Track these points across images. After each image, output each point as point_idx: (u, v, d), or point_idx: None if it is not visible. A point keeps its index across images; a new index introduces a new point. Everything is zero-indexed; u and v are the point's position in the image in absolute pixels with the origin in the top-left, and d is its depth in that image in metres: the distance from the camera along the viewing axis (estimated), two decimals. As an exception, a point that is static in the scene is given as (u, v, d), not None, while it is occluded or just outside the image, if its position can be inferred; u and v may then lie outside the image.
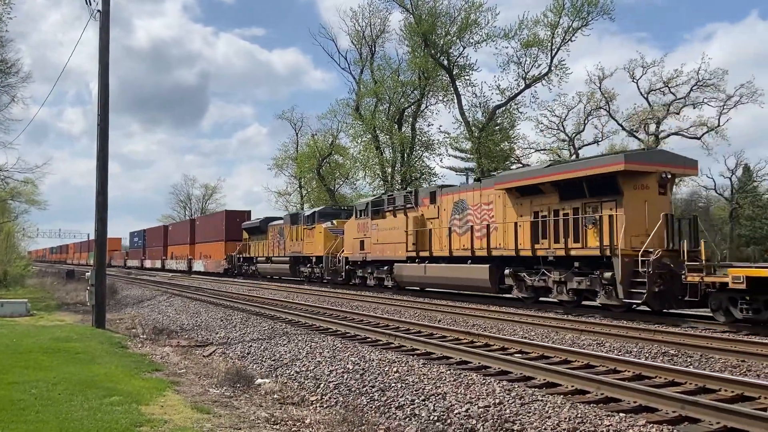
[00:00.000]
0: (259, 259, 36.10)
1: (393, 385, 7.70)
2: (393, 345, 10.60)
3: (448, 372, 8.03)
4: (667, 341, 10.32)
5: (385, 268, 23.01)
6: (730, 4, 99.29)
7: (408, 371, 8.23)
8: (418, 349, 10.00)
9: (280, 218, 36.35)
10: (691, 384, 7.06)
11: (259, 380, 8.81)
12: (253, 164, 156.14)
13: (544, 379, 7.55)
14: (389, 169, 42.05)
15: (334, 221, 28.51)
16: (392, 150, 42.25)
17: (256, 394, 8.05)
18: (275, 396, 7.91)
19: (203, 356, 11.23)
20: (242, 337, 12.74)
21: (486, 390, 7.06)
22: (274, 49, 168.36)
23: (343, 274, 25.99)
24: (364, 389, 7.73)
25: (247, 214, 43.91)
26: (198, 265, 46.73)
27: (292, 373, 9.13)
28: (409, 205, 21.73)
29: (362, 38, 43.57)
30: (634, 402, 6.38)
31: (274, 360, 10.07)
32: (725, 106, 35.74)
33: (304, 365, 9.37)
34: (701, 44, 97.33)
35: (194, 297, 22.72)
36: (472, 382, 7.46)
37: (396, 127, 41.50)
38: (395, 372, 8.25)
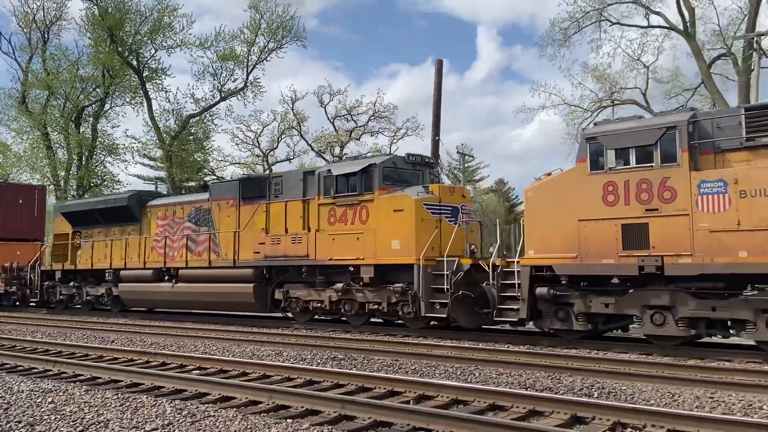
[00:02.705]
0: (125, 273, 19.47)
1: (46, 417, 6.75)
2: (51, 372, 9.34)
3: (115, 397, 7.40)
4: (338, 347, 11.19)
5: None
6: (411, 50, 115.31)
7: (66, 400, 7.34)
8: (82, 375, 9.00)
9: (180, 193, 22.66)
10: (353, 385, 7.74)
11: None
12: None
13: (219, 394, 7.47)
14: (63, 173, 37.48)
15: (429, 187, 14.11)
16: (67, 151, 37.78)
17: None
18: None
19: None
20: None
21: (155, 412, 6.68)
22: None
23: (529, 309, 11.67)
24: (8, 426, 6.61)
25: (40, 190, 27.05)
26: None
27: None
28: None
29: (32, 22, 38.11)
30: (302, 407, 6.71)
31: None
32: (395, 136, 40.97)
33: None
34: (388, 80, 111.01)
35: None
36: (142, 404, 7.00)
37: (73, 126, 37.25)
38: (50, 403, 7.27)
